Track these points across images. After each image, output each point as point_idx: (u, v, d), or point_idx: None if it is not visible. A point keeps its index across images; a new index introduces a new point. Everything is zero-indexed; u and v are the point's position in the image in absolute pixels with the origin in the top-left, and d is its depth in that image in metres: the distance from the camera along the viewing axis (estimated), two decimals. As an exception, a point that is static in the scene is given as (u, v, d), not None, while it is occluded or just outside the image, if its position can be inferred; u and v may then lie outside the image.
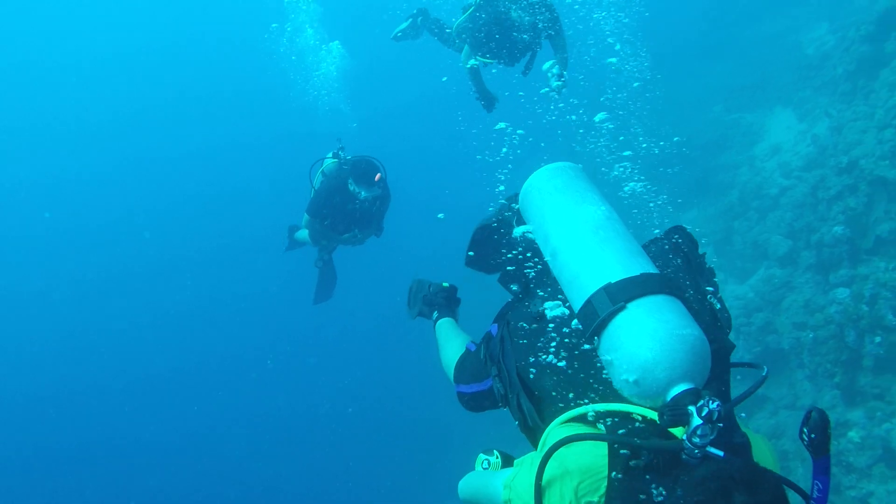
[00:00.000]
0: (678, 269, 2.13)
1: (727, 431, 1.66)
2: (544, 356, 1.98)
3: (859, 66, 10.64)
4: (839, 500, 6.49)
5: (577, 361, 1.89)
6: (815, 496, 1.63)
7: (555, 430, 1.82)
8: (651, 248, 2.18)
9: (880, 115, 8.85)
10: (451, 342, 2.79)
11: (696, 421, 1.50)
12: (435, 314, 3.02)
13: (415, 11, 7.42)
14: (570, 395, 1.85)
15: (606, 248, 1.94)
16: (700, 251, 2.23)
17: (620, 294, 1.80)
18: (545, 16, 5.79)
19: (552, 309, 2.07)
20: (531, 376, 1.98)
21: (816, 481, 1.65)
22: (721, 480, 1.40)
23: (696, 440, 1.50)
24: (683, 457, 1.53)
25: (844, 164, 8.99)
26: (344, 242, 6.88)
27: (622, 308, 1.76)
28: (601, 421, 1.75)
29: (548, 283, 2.17)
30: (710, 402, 1.51)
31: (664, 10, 18.94)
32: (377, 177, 6.04)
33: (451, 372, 2.64)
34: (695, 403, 1.52)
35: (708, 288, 2.11)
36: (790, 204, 10.03)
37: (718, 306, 2.01)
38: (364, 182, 6.08)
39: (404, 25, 7.48)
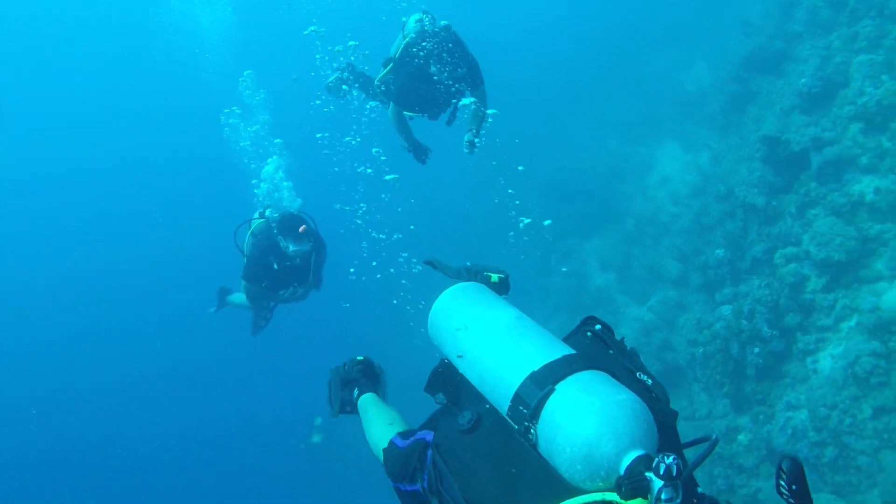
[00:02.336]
0: (600, 353, 2.07)
1: (693, 497, 1.58)
2: (484, 471, 1.87)
3: (731, 103, 11.79)
4: (733, 499, 7.11)
5: (518, 467, 1.79)
6: None
7: None
8: (569, 341, 2.14)
9: (748, 147, 9.86)
10: (377, 421, 2.60)
11: (657, 483, 1.44)
12: (356, 392, 2.79)
13: (343, 65, 7.28)
14: None
15: (523, 342, 1.96)
16: (617, 336, 2.18)
17: (546, 379, 1.77)
18: (465, 69, 5.72)
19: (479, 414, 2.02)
20: (476, 498, 1.85)
21: None
22: None
23: None
24: None
25: (723, 192, 9.94)
26: (285, 301, 6.73)
27: (551, 391, 1.72)
28: None
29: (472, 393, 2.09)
30: (665, 457, 1.45)
31: (569, 49, 20.24)
32: (301, 228, 5.96)
33: (380, 456, 2.47)
34: (651, 468, 1.47)
35: (635, 369, 2.03)
36: (679, 230, 10.92)
37: (650, 382, 1.93)
38: (291, 236, 6.00)
39: (332, 78, 7.35)
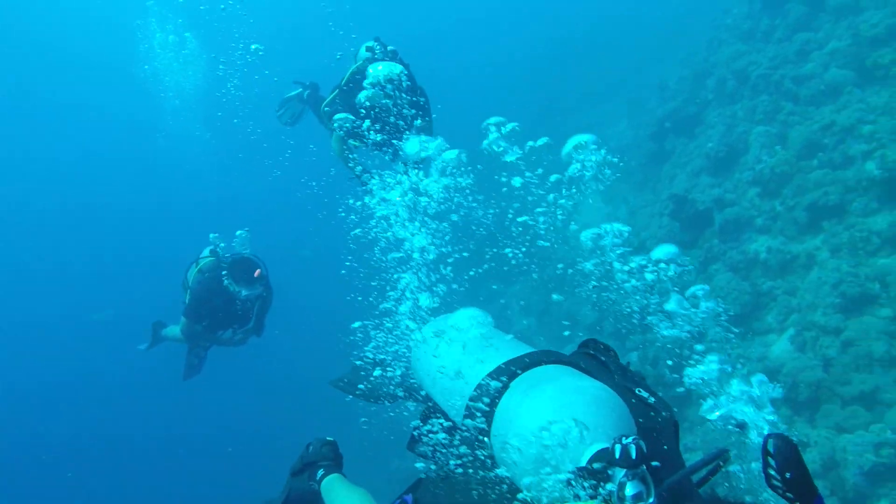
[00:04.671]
0: (591, 367, 1.79)
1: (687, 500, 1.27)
2: None
3: (648, 160, 12.55)
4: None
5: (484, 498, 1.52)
6: None
7: None
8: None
9: (660, 203, 10.52)
10: (348, 499, 2.28)
11: (619, 473, 1.15)
12: (320, 472, 2.42)
13: (307, 83, 7.08)
14: None
15: (486, 350, 1.78)
16: (623, 361, 1.96)
17: (501, 375, 1.58)
18: (414, 102, 5.44)
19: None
20: None
21: None
22: None
23: None
24: None
25: (636, 245, 10.53)
26: (222, 343, 6.52)
27: (505, 386, 1.51)
28: None
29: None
30: (624, 438, 1.17)
31: (501, 94, 21.05)
32: (257, 273, 5.82)
33: None
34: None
35: (634, 386, 1.77)
36: (597, 279, 11.43)
37: (653, 399, 1.68)
38: (244, 280, 5.82)
39: (292, 94, 7.18)
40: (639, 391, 1.70)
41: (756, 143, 9.07)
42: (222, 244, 6.47)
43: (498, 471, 1.45)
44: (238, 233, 7.21)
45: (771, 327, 7.66)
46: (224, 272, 5.90)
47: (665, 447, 1.55)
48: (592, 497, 1.20)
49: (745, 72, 10.56)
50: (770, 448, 1.19)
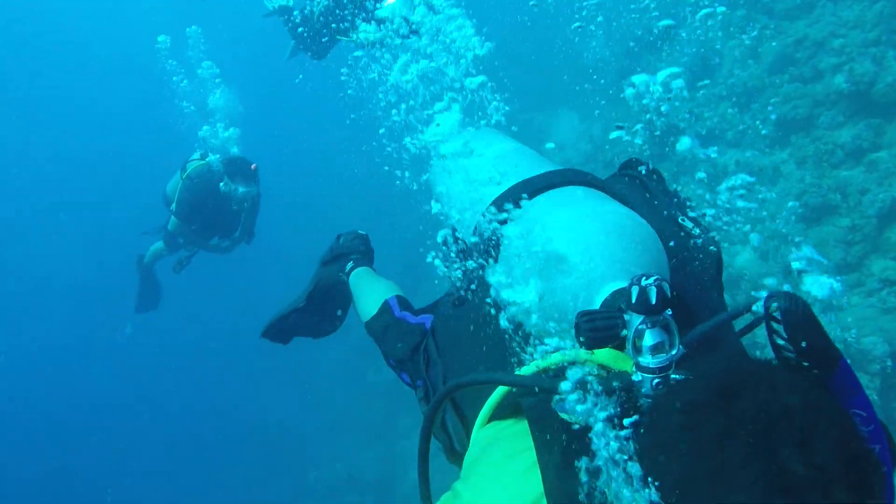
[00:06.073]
0: (633, 194, 1.56)
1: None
2: (467, 346, 1.43)
3: (621, 74, 12.56)
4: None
5: (490, 334, 1.31)
6: (865, 430, 0.91)
7: (477, 436, 1.23)
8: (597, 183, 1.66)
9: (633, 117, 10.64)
10: (372, 289, 2.23)
11: (636, 320, 0.98)
12: (349, 265, 2.43)
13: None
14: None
15: (504, 164, 1.60)
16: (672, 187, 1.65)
17: (514, 196, 1.38)
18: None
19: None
20: (458, 380, 1.28)
21: (854, 411, 0.93)
22: (704, 392, 0.81)
23: (648, 359, 0.96)
24: (642, 401, 0.95)
25: (609, 159, 10.70)
26: (210, 250, 6.39)
27: (513, 209, 1.33)
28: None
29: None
30: (644, 279, 0.98)
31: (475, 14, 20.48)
32: (253, 167, 5.67)
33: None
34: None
35: (679, 213, 1.54)
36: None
37: (697, 230, 1.48)
38: (241, 176, 5.67)
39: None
40: (682, 220, 1.50)
41: (729, 58, 9.14)
42: (212, 148, 6.23)
43: (502, 296, 1.24)
44: (190, 29, 6.85)
45: (736, 238, 7.96)
46: (221, 171, 5.76)
47: (703, 290, 1.34)
48: (595, 345, 1.03)
49: (722, -16, 10.49)
50: (776, 312, 0.91)
